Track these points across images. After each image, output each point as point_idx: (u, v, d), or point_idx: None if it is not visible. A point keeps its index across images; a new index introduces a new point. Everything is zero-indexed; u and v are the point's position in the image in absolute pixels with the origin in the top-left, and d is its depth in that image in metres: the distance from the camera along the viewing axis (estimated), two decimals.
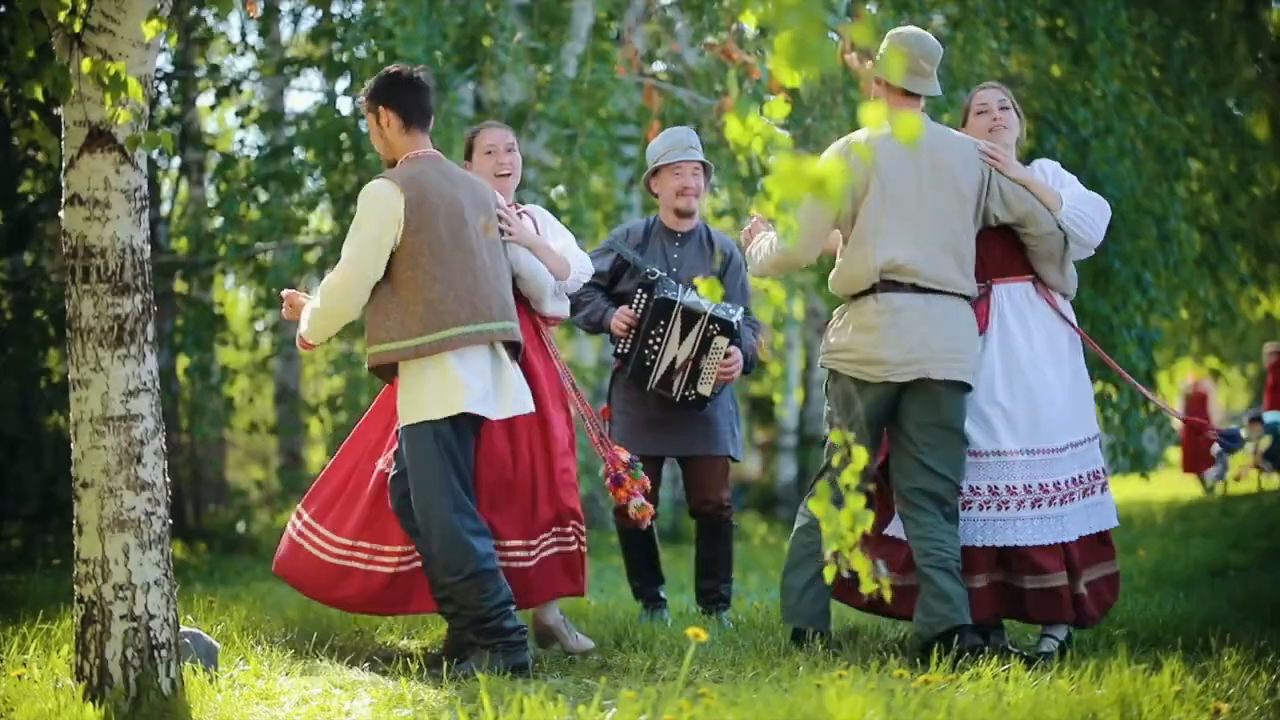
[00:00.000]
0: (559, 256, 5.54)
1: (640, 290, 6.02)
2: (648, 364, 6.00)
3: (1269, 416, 15.74)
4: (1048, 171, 5.52)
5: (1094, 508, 5.43)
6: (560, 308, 5.57)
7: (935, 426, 5.24)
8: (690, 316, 5.94)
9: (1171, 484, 18.07)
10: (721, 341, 5.95)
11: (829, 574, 3.49)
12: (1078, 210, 5.35)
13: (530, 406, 5.27)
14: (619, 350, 6.10)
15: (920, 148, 5.21)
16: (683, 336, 5.96)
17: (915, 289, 5.22)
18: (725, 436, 6.23)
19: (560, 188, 11.57)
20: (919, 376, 5.21)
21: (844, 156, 5.18)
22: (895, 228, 5.21)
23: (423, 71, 5.31)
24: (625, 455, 5.51)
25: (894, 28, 5.49)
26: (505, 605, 5.04)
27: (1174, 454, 21.04)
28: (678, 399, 6.03)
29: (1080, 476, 5.39)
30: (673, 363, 5.99)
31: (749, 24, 3.52)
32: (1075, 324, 5.53)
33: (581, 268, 5.63)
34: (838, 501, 3.46)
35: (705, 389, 6.01)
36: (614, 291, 6.23)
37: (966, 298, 5.29)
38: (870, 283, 5.26)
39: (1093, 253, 5.52)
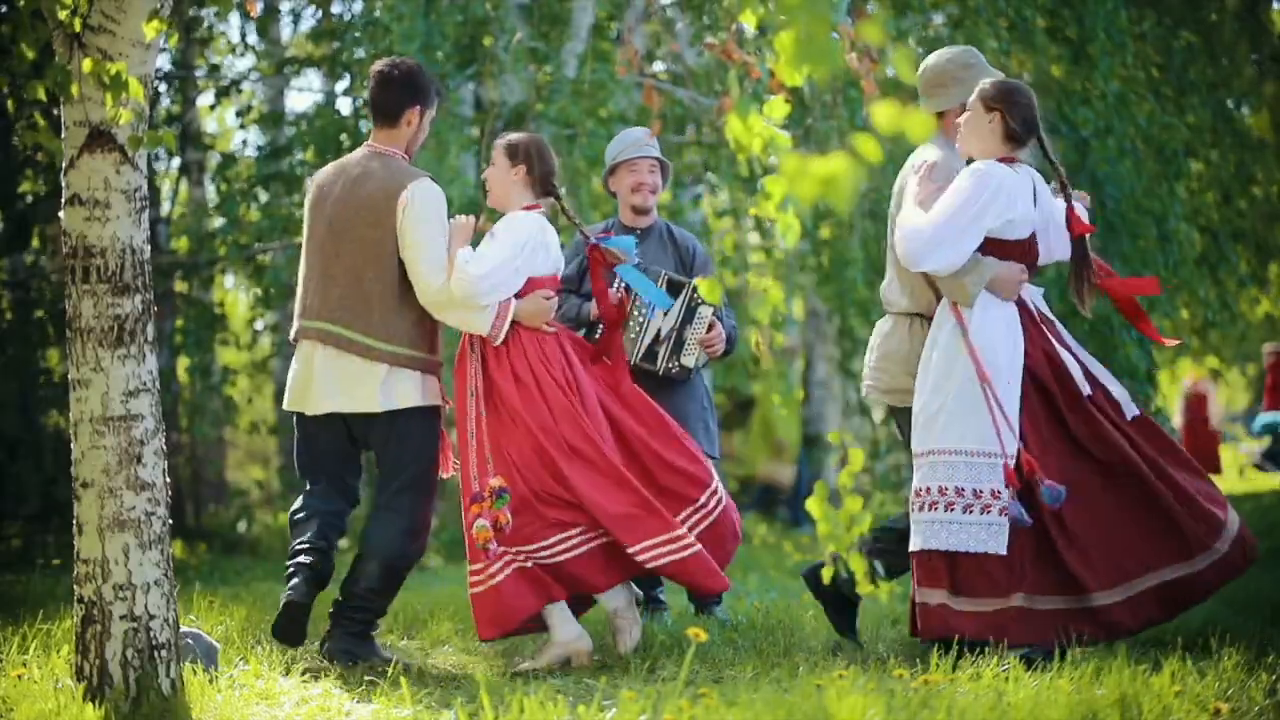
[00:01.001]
0: (449, 260, 5.27)
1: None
2: (632, 336, 6.01)
3: (1267, 417, 15.71)
4: (964, 173, 5.14)
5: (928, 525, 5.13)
6: (445, 316, 5.34)
7: None
8: (675, 286, 6.01)
9: None
10: (705, 310, 6.03)
11: (826, 574, 3.50)
12: (899, 226, 5.17)
13: (347, 406, 5.23)
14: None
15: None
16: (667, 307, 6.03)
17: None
18: (697, 433, 6.24)
19: (561, 188, 11.56)
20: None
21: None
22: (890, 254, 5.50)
23: (396, 65, 5.39)
24: (496, 482, 5.22)
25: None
26: (299, 547, 5.24)
27: None
28: (661, 371, 6.06)
29: (927, 489, 5.15)
30: (657, 334, 6.04)
31: (749, 24, 3.52)
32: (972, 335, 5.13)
33: (464, 277, 5.21)
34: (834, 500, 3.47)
35: (689, 360, 6.08)
36: (583, 292, 6.22)
37: (917, 315, 5.36)
38: None
39: (925, 268, 5.10)
